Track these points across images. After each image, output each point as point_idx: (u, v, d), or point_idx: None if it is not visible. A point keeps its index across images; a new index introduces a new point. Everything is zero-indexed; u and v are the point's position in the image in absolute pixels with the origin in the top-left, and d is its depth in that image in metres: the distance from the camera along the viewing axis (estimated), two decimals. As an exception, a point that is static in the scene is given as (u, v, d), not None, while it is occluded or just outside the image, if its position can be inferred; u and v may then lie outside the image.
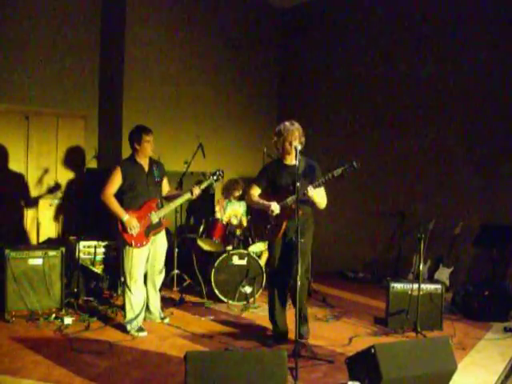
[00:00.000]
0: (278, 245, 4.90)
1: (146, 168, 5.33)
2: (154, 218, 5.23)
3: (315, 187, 4.66)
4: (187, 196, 5.36)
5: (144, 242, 5.18)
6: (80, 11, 7.75)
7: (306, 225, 4.86)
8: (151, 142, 5.27)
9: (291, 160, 4.89)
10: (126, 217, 5.09)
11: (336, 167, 4.62)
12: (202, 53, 8.72)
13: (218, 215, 7.23)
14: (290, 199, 4.73)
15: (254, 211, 5.26)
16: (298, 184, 4.41)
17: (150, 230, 5.22)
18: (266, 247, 7.03)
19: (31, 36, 7.32)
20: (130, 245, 5.12)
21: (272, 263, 4.98)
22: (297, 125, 4.86)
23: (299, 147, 4.54)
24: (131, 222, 5.09)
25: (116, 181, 5.18)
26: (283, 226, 4.79)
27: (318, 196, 4.78)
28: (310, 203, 4.84)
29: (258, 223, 5.10)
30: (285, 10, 9.76)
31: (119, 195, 5.21)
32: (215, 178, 5.52)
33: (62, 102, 7.66)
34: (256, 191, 5.03)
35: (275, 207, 4.76)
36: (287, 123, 4.87)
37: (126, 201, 5.19)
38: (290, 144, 4.77)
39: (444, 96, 7.73)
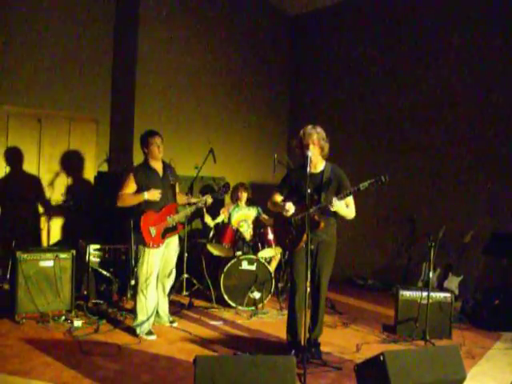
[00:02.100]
0: (299, 256, 4.64)
1: (161, 172, 5.38)
2: (171, 221, 5.29)
3: (340, 199, 4.41)
4: (201, 205, 5.50)
5: (160, 244, 5.24)
6: (93, 15, 7.82)
7: (328, 237, 4.72)
8: (159, 144, 5.31)
9: (314, 167, 4.69)
10: (145, 193, 5.15)
11: (364, 180, 4.35)
12: (215, 59, 8.77)
13: (219, 219, 7.23)
14: (312, 209, 4.46)
15: (276, 221, 5.04)
16: (309, 191, 4.32)
17: (165, 232, 5.28)
18: (276, 253, 7.06)
19: (44, 40, 7.39)
20: (148, 245, 5.16)
21: (292, 274, 4.78)
22: (318, 129, 4.64)
23: (310, 154, 4.43)
24: (152, 192, 5.16)
25: (129, 186, 5.22)
26: (304, 237, 4.44)
27: (343, 208, 4.55)
28: (334, 214, 4.66)
29: (279, 232, 4.99)
30: (297, 16, 9.80)
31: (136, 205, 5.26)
32: (223, 191, 5.62)
33: (75, 105, 7.72)
34: (278, 198, 4.85)
35: (289, 207, 4.57)
36: (308, 127, 4.66)
37: (144, 204, 5.21)
38: (306, 148, 4.54)
39: (454, 103, 7.72)
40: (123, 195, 5.20)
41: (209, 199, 5.46)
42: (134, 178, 5.23)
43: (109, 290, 6.38)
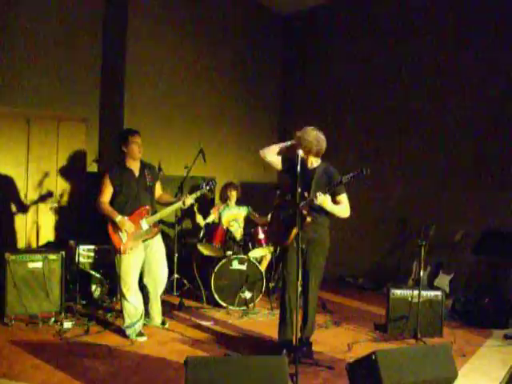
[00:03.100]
0: (290, 254, 4.67)
1: (137, 173, 5.26)
2: (144, 225, 5.18)
3: (324, 193, 4.44)
4: (178, 205, 5.30)
5: (133, 248, 5.12)
6: (81, 15, 7.74)
7: (318, 234, 4.71)
8: (139, 143, 5.19)
9: (311, 164, 4.77)
10: (118, 217, 5.05)
11: (345, 173, 4.43)
12: (205, 59, 8.73)
13: (209, 219, 7.18)
14: (302, 204, 4.48)
15: (272, 218, 5.13)
16: (299, 190, 4.32)
17: (139, 236, 5.16)
18: (267, 253, 7.04)
19: (31, 39, 7.31)
20: (119, 250, 5.09)
21: (284, 272, 4.78)
22: (316, 132, 4.69)
23: (301, 153, 4.43)
24: (124, 222, 5.06)
25: (107, 189, 5.15)
26: (293, 233, 4.53)
27: (328, 202, 4.50)
28: (328, 213, 4.67)
29: (273, 229, 5.00)
30: (288, 15, 9.79)
31: (110, 202, 5.19)
32: (208, 188, 5.38)
33: (63, 105, 7.65)
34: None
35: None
36: (307, 128, 4.72)
37: (116, 207, 5.15)
38: (298, 147, 4.57)
39: (445, 102, 7.75)
40: (101, 205, 5.12)
41: (187, 200, 5.25)
42: (110, 180, 5.14)
43: (99, 291, 6.34)
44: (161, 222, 5.72)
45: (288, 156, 4.92)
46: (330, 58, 9.23)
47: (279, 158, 4.86)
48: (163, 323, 5.57)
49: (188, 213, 7.92)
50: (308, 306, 4.78)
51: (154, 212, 5.29)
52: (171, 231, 7.08)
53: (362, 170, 4.31)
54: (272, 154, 4.87)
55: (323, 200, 4.45)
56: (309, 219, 4.55)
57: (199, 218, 7.19)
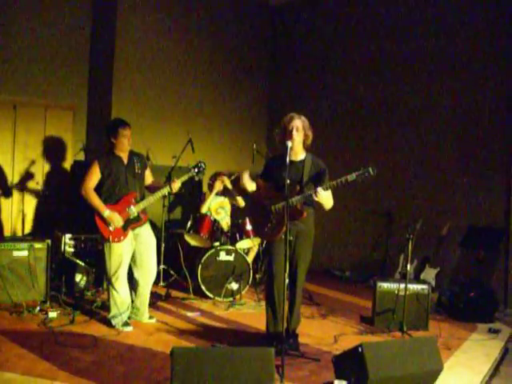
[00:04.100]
0: (278, 246, 4.57)
1: (126, 161, 5.21)
2: (133, 211, 5.12)
3: (325, 189, 4.36)
4: (166, 190, 5.25)
5: (122, 237, 5.07)
6: (70, 1, 7.66)
7: (306, 226, 4.66)
8: (128, 136, 5.15)
9: (296, 155, 4.61)
10: (106, 212, 5.00)
11: (351, 171, 4.32)
12: (194, 48, 8.67)
13: (203, 210, 7.12)
14: (296, 199, 4.43)
15: (254, 209, 4.93)
16: (289, 181, 4.23)
17: (128, 224, 5.11)
18: (254, 244, 7.02)
19: (19, 26, 7.23)
20: (108, 240, 5.04)
21: (271, 264, 4.70)
22: (303, 117, 4.59)
23: (290, 144, 4.32)
24: (112, 216, 5.01)
25: (94, 175, 5.08)
26: (284, 226, 4.33)
27: (329, 198, 4.49)
28: (314, 204, 4.59)
29: (257, 220, 4.88)
30: (278, 7, 9.75)
31: (97, 189, 5.12)
32: (196, 170, 5.35)
33: (51, 92, 7.58)
34: (260, 183, 4.80)
35: (245, 176, 4.66)
36: (293, 114, 4.59)
37: (104, 194, 5.10)
38: (290, 133, 4.48)
39: (433, 98, 7.75)
40: (88, 192, 5.04)
41: (175, 184, 5.20)
42: (99, 166, 5.08)
43: (85, 281, 6.28)
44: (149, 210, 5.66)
45: (267, 160, 4.87)
46: (319, 49, 9.19)
47: (253, 183, 4.78)
48: (151, 318, 5.46)
49: (177, 202, 7.92)
50: (295, 298, 4.76)
51: (142, 199, 5.25)
52: (158, 221, 7.03)
53: (369, 169, 4.26)
54: (250, 185, 4.77)
55: (324, 197, 4.40)
56: (305, 214, 4.49)
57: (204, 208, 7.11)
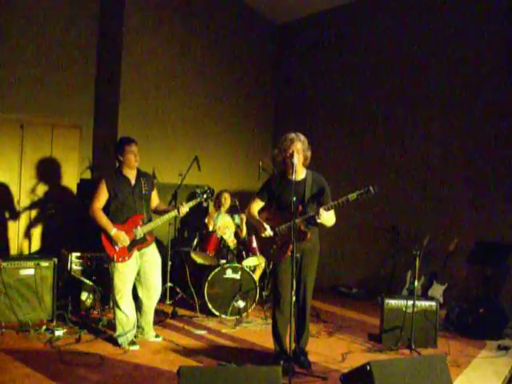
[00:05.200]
0: (285, 266, 4.57)
1: (133, 181, 5.20)
2: (139, 233, 5.11)
3: (327, 210, 4.35)
4: (173, 213, 5.22)
5: (126, 257, 5.06)
6: (77, 20, 7.74)
7: (311, 243, 4.63)
8: (135, 152, 5.13)
9: (297, 175, 4.55)
10: (113, 230, 5.00)
11: (356, 186, 4.34)
12: (200, 66, 8.74)
13: (211, 226, 7.16)
14: (298, 221, 4.43)
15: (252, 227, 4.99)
16: (294, 199, 4.27)
17: (133, 245, 5.10)
18: (261, 262, 7.01)
19: (26, 45, 7.30)
20: (112, 259, 5.04)
21: (277, 286, 4.68)
22: (302, 137, 4.57)
23: (295, 161, 4.37)
24: (119, 235, 5.00)
25: (102, 195, 5.09)
26: (290, 248, 4.36)
27: (330, 219, 4.52)
28: (316, 224, 4.55)
29: (262, 242, 4.80)
30: (283, 25, 9.83)
31: (104, 208, 5.12)
32: (205, 196, 5.35)
33: (57, 111, 7.62)
34: (258, 204, 4.77)
35: (268, 233, 4.57)
36: (291, 134, 4.56)
37: (111, 214, 5.10)
38: (291, 157, 4.46)
39: (440, 112, 7.76)
40: (96, 212, 5.04)
41: (183, 208, 5.17)
42: (106, 185, 5.09)
43: (91, 299, 6.28)
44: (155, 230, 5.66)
45: (267, 179, 4.90)
46: (325, 66, 9.24)
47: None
48: (157, 336, 5.43)
49: (185, 222, 7.91)
50: (305, 316, 4.74)
51: (149, 220, 5.24)
52: (165, 239, 7.03)
53: (369, 188, 4.23)
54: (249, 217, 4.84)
55: (326, 218, 4.40)
56: (309, 235, 4.47)
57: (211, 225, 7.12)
